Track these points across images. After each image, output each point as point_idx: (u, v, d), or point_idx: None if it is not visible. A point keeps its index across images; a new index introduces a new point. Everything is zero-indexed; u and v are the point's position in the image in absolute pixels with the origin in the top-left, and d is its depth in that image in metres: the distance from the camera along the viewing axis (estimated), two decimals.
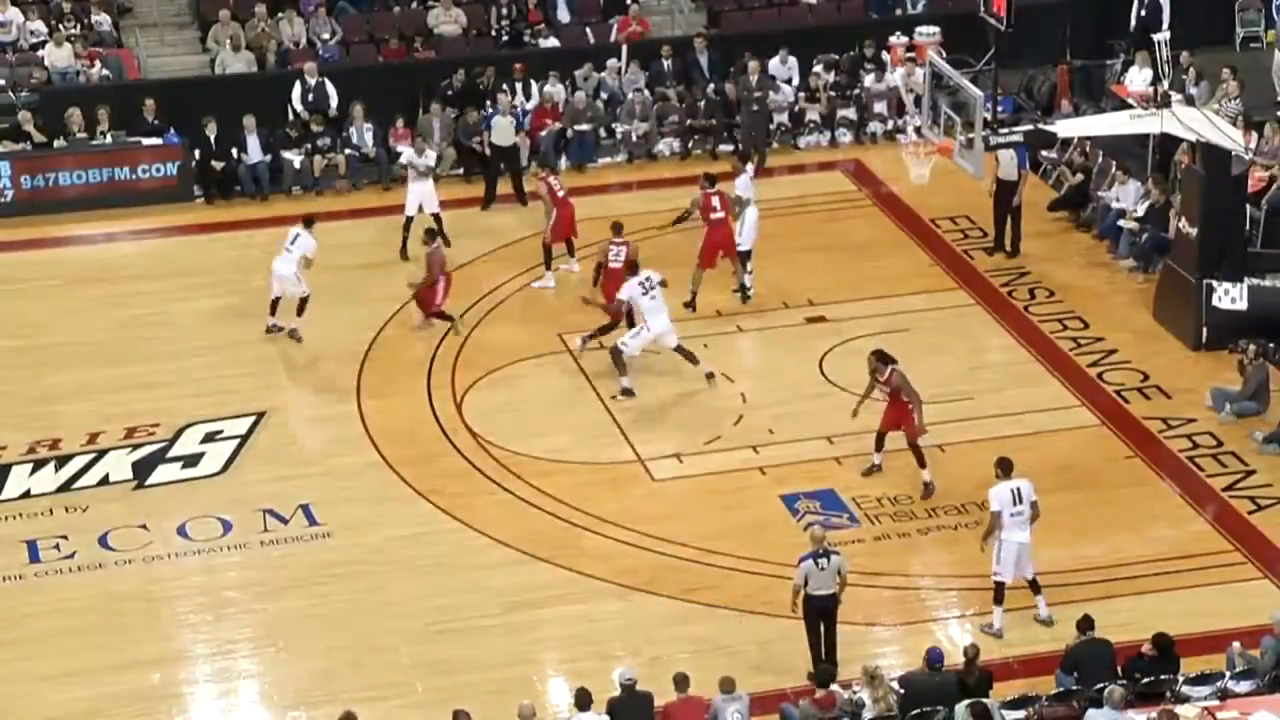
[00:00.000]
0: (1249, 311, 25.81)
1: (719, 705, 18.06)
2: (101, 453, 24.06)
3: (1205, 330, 26.04)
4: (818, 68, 33.78)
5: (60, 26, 33.47)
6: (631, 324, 25.46)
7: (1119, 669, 18.87)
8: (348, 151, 31.90)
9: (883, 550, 21.92)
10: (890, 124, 33.60)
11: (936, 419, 23.10)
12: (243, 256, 29.55)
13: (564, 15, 35.15)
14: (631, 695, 18.24)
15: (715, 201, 27.20)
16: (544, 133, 32.50)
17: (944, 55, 33.02)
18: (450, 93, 32.47)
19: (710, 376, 25.15)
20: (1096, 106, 32.31)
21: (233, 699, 19.92)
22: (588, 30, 34.81)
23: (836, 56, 34.19)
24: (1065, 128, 28.46)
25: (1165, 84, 26.88)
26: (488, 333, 26.92)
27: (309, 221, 26.72)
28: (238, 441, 24.30)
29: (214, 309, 27.55)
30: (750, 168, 28.68)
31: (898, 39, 34.28)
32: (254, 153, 31.50)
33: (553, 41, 34.46)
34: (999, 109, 30.97)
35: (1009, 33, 30.20)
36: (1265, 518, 22.42)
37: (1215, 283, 25.91)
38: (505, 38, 34.62)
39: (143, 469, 23.74)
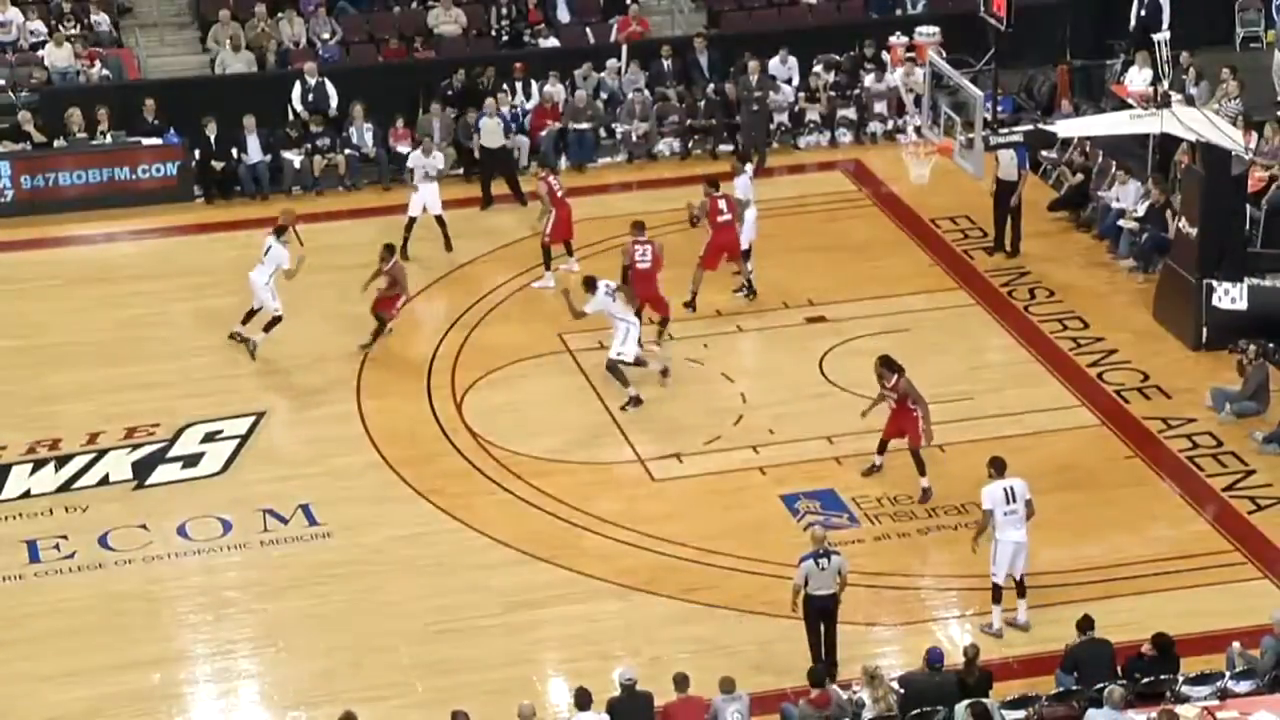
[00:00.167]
0: (1249, 311, 25.81)
1: (719, 705, 18.07)
2: (101, 453, 24.06)
3: (1205, 330, 26.04)
4: (818, 68, 33.78)
5: (60, 26, 33.49)
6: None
7: (1119, 669, 18.87)
8: (348, 151, 31.90)
9: (883, 550, 21.92)
10: (890, 124, 33.60)
11: (936, 419, 23.06)
12: (243, 256, 29.43)
13: (564, 15, 35.16)
14: (631, 695, 18.24)
15: (722, 204, 27.17)
16: (544, 133, 32.51)
17: (944, 55, 33.01)
18: (450, 93, 32.47)
19: (636, 401, 24.99)
20: (1096, 106, 32.31)
21: (233, 699, 19.92)
22: (588, 30, 34.82)
23: (837, 56, 34.19)
24: (1065, 128, 28.45)
25: (1165, 84, 26.89)
26: (488, 333, 26.92)
27: (279, 231, 26.35)
28: (238, 441, 24.30)
29: (214, 309, 27.53)
30: (749, 168, 28.66)
31: (898, 39, 34.29)
32: (254, 153, 31.50)
33: (553, 41, 34.47)
34: (999, 109, 30.98)
35: (1009, 33, 30.20)
36: (1265, 518, 22.42)
37: (1215, 283, 25.91)
38: (505, 38, 34.63)
39: (143, 469, 23.74)
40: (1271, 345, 25.15)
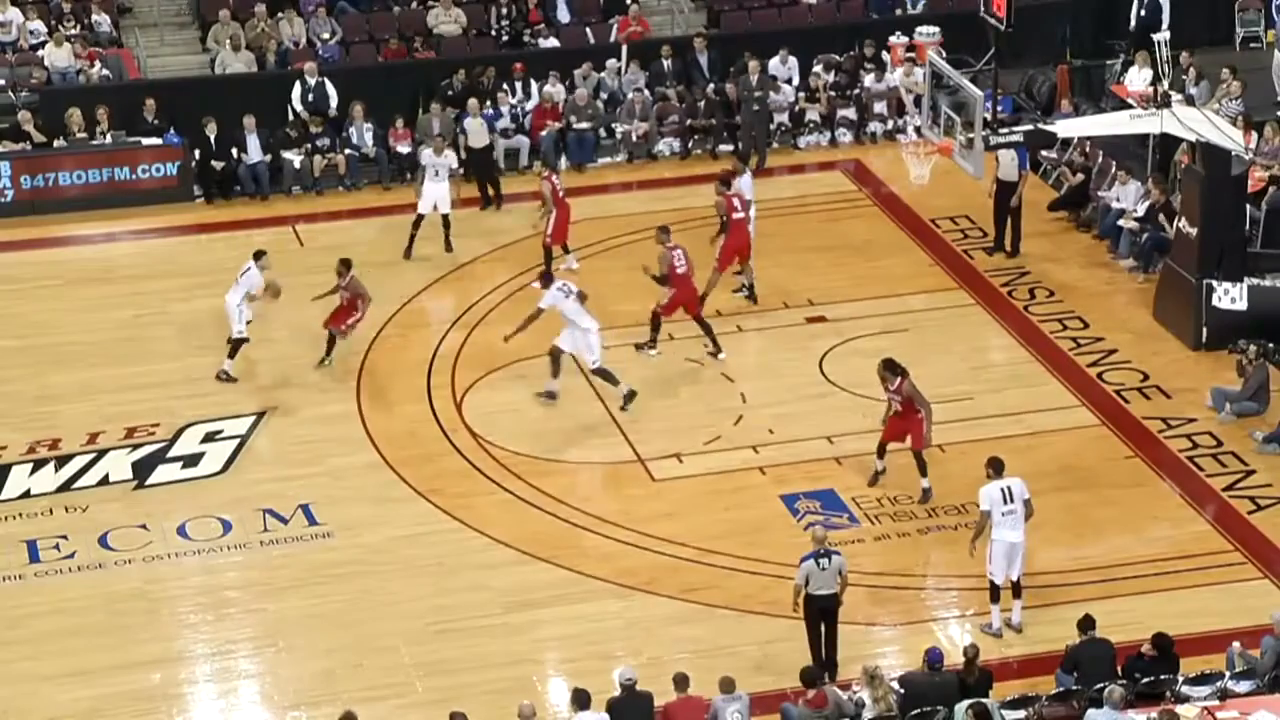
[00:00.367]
0: (1249, 311, 25.82)
1: (719, 705, 18.07)
2: (101, 453, 24.06)
3: (1205, 330, 26.05)
4: (818, 68, 33.78)
5: (60, 26, 33.49)
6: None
7: (1118, 669, 18.87)
8: (348, 151, 31.90)
9: (883, 550, 21.92)
10: (890, 124, 33.59)
11: (937, 419, 23.05)
12: (243, 256, 29.45)
13: (564, 15, 35.16)
14: (632, 695, 18.24)
15: (736, 203, 27.16)
16: (544, 133, 32.51)
17: (944, 55, 33.03)
18: (450, 93, 32.47)
19: (550, 396, 24.95)
20: (1096, 106, 32.32)
21: (233, 699, 19.93)
22: (588, 30, 34.82)
23: (837, 56, 34.19)
24: (1065, 128, 28.46)
25: (1165, 84, 26.89)
26: (488, 333, 26.88)
27: (258, 254, 26.04)
28: (238, 441, 24.31)
29: (214, 309, 27.44)
30: (748, 169, 28.63)
31: (898, 39, 34.28)
32: (254, 153, 31.49)
33: (553, 41, 34.47)
34: (999, 109, 30.99)
35: (1009, 33, 30.21)
36: (1265, 518, 22.43)
37: (1215, 283, 25.92)
38: (505, 38, 34.64)
39: (143, 469, 23.74)
40: (1271, 345, 25.16)
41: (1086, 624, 19.09)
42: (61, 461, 23.89)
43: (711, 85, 33.46)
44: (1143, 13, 32.53)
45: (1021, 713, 18.50)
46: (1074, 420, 24.57)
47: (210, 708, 19.78)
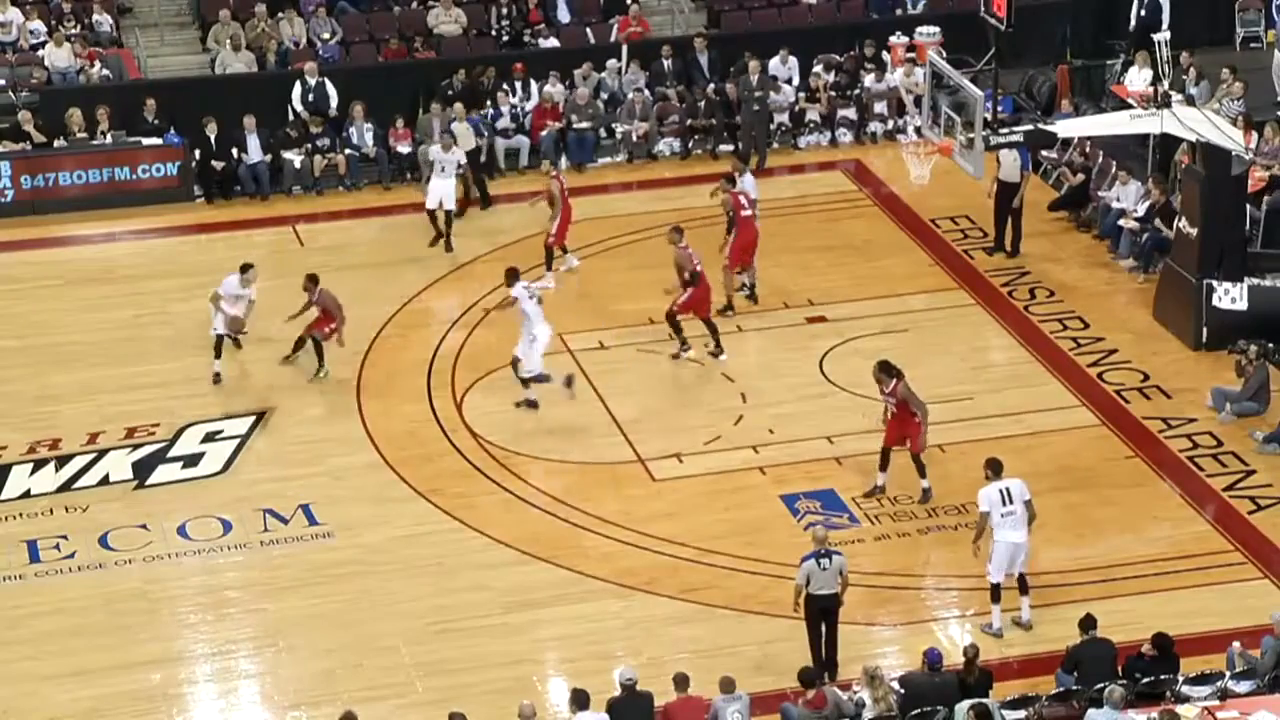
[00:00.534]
0: (1249, 311, 25.81)
1: (719, 705, 18.07)
2: (102, 453, 24.06)
3: (1205, 330, 26.04)
4: (818, 68, 33.78)
5: (60, 26, 33.49)
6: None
7: (1119, 669, 18.86)
8: (348, 151, 31.90)
9: (883, 550, 21.92)
10: (890, 124, 33.59)
11: (937, 419, 23.08)
12: (243, 256, 29.49)
13: (564, 15, 35.16)
14: (632, 695, 18.24)
15: (743, 200, 27.16)
16: (544, 133, 32.51)
17: (944, 55, 33.02)
18: (451, 93, 32.47)
19: (532, 404, 24.88)
20: (1097, 106, 32.32)
21: (233, 699, 19.93)
22: (588, 30, 34.82)
23: (837, 56, 34.19)
24: (1065, 128, 28.46)
25: (1165, 84, 26.88)
26: (488, 333, 26.90)
27: (244, 267, 25.81)
28: (238, 441, 24.31)
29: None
30: (748, 169, 28.63)
31: (898, 39, 34.28)
32: (254, 153, 31.49)
33: (553, 41, 34.48)
34: (999, 109, 30.97)
35: (1009, 33, 30.20)
36: (1265, 518, 22.42)
37: (1215, 283, 25.92)
38: (505, 38, 34.63)
39: (143, 469, 23.75)
40: (1271, 345, 25.15)
41: (1087, 624, 19.09)
42: (62, 461, 23.89)
43: (712, 85, 33.46)
44: (1143, 13, 32.52)
45: (1022, 713, 18.50)
46: (1074, 420, 24.57)
47: (210, 708, 19.78)
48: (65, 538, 22.36)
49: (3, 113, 32.16)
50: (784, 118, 33.22)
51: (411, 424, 24.61)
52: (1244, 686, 18.61)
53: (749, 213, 27.06)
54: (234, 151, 31.39)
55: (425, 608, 20.99)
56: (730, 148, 32.44)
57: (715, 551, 21.90)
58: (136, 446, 24.19)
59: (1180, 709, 17.90)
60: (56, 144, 31.37)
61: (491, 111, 32.27)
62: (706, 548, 21.97)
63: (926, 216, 30.47)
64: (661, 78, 33.60)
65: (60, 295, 28.41)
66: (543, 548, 22.03)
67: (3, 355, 26.67)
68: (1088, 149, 30.62)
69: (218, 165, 31.29)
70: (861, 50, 34.20)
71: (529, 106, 32.82)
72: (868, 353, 25.73)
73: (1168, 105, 26.19)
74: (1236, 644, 19.12)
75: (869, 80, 33.52)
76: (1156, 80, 26.98)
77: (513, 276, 24.93)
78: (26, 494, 23.32)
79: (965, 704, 17.97)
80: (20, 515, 22.90)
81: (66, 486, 23.41)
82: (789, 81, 33.58)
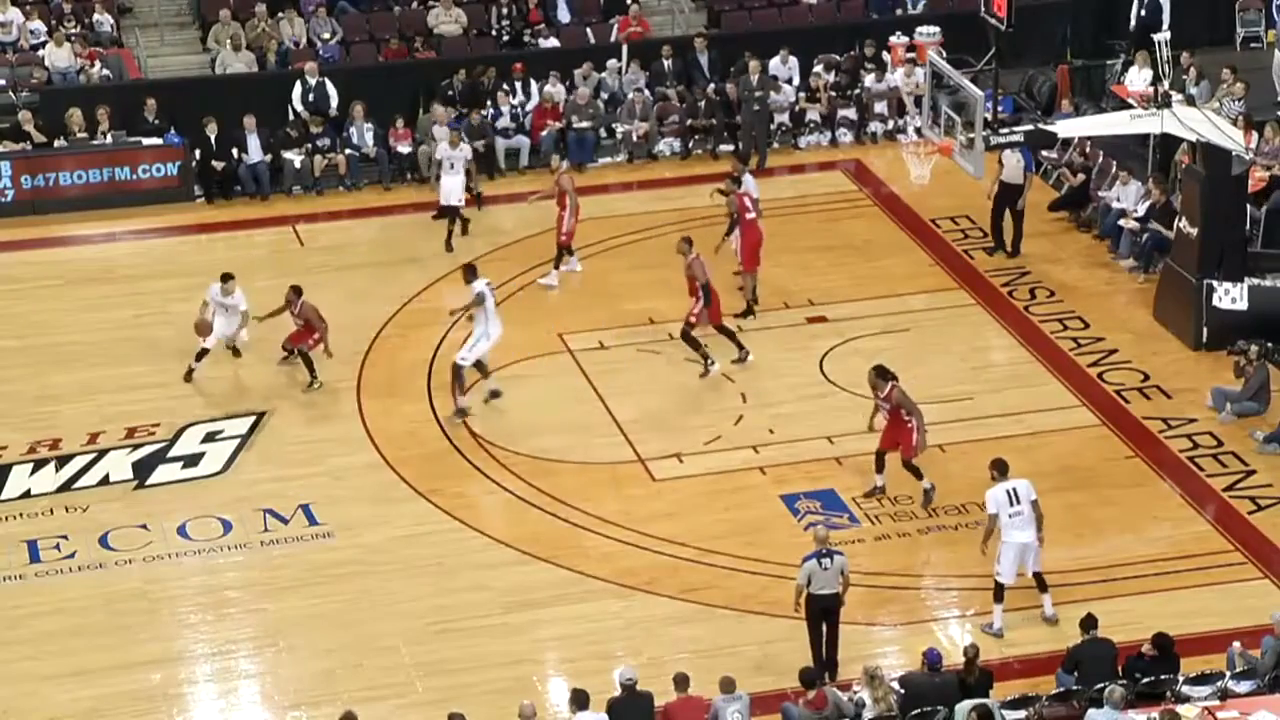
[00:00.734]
0: (1249, 311, 25.82)
1: (719, 705, 18.07)
2: (102, 453, 24.06)
3: (1206, 330, 26.04)
4: (818, 68, 33.77)
5: (61, 26, 33.49)
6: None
7: (1119, 669, 18.86)
8: (348, 151, 31.90)
9: (883, 550, 21.92)
10: (891, 124, 33.58)
11: (937, 419, 23.08)
12: (243, 256, 29.54)
13: (564, 15, 35.16)
14: (632, 695, 18.24)
15: (748, 201, 27.15)
16: (544, 133, 32.51)
17: (944, 55, 33.03)
18: (451, 93, 32.48)
19: (496, 395, 24.87)
20: (1097, 106, 32.32)
21: (233, 699, 19.93)
22: (588, 30, 34.82)
23: (837, 56, 34.19)
24: (1066, 128, 28.46)
25: (1165, 84, 26.87)
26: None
27: (224, 276, 25.61)
28: (238, 441, 24.31)
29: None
30: (748, 169, 28.61)
31: (898, 39, 34.27)
32: (254, 153, 31.49)
33: (553, 41, 34.48)
34: (999, 109, 30.98)
35: (1009, 33, 30.23)
36: (1265, 518, 22.43)
37: (1215, 283, 25.92)
38: (506, 38, 34.64)
39: (143, 469, 23.74)
40: (1271, 345, 25.15)
41: (1088, 624, 19.09)
42: (62, 461, 23.89)
43: (712, 85, 33.46)
44: (1143, 13, 32.51)
45: (1022, 713, 18.49)
46: (1074, 420, 24.57)
47: (210, 708, 19.78)
48: (65, 538, 22.36)
49: (3, 113, 32.16)
50: (784, 118, 33.22)
51: (411, 424, 24.61)
52: (1244, 686, 18.61)
53: (753, 215, 27.04)
54: (234, 151, 31.39)
55: (425, 608, 20.99)
56: (730, 148, 32.44)
57: (715, 551, 21.90)
58: (136, 446, 24.19)
59: (1180, 709, 17.90)
60: (57, 144, 31.38)
61: (491, 111, 32.27)
62: (707, 548, 21.97)
63: (927, 216, 30.47)
64: (662, 78, 33.59)
65: (60, 295, 28.41)
66: (543, 548, 22.03)
67: (3, 355, 26.67)
68: (1088, 149, 30.62)
69: (218, 165, 31.29)
70: (862, 50, 34.20)
71: (529, 106, 32.82)
72: (868, 353, 25.75)
73: (1168, 105, 26.19)
74: (1237, 644, 19.12)
75: (869, 80, 33.52)
76: (1157, 80, 26.97)
77: (471, 273, 24.85)
78: (27, 494, 23.32)
79: (967, 704, 17.97)
80: (20, 515, 22.90)
81: (66, 486, 23.41)
82: (789, 81, 33.58)
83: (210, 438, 24.38)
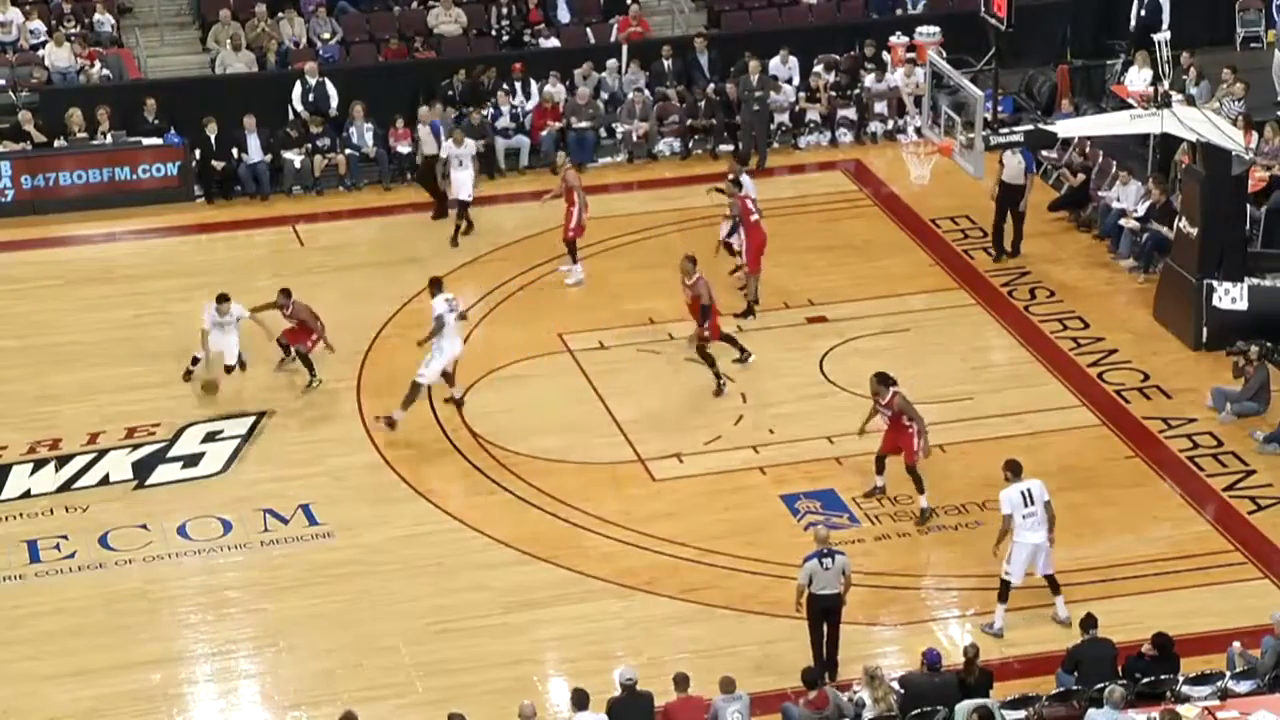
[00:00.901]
0: (1249, 311, 25.82)
1: (719, 705, 18.07)
2: (102, 453, 24.06)
3: (1206, 330, 26.04)
4: (818, 68, 33.77)
5: (60, 26, 33.49)
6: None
7: (1119, 669, 18.86)
8: (348, 151, 31.90)
9: (883, 550, 21.92)
10: (891, 124, 33.57)
11: (937, 419, 23.08)
12: (243, 256, 29.57)
13: (564, 15, 35.16)
14: (632, 695, 18.24)
15: (750, 204, 27.14)
16: (544, 133, 32.51)
17: (944, 55, 33.05)
18: (451, 93, 32.48)
19: (457, 401, 24.68)
20: (1097, 106, 32.32)
21: (233, 699, 19.93)
22: (588, 30, 34.82)
23: (837, 56, 34.19)
24: (1066, 128, 28.46)
25: (1165, 84, 26.88)
26: (488, 332, 26.92)
27: (220, 297, 25.20)
28: (238, 441, 24.31)
29: None
30: (744, 170, 28.60)
31: (898, 39, 34.26)
32: (254, 153, 31.49)
33: (553, 41, 34.48)
34: (999, 109, 31.01)
35: (1009, 33, 30.26)
36: (1265, 518, 22.43)
37: (1215, 282, 25.92)
38: (506, 37, 34.64)
39: (143, 469, 23.74)
40: (1271, 345, 25.15)
41: (1088, 623, 19.09)
42: (62, 461, 23.89)
43: (712, 85, 33.45)
44: (1143, 13, 32.52)
45: (1022, 713, 18.49)
46: (1074, 420, 24.57)
47: (210, 708, 19.78)
48: (65, 538, 22.36)
49: (3, 113, 32.16)
50: (784, 118, 33.21)
51: (411, 424, 24.59)
52: (1244, 686, 18.61)
53: (756, 217, 27.03)
54: (234, 151, 31.39)
55: (425, 608, 20.99)
56: (730, 148, 32.44)
57: (715, 551, 21.90)
58: (136, 446, 24.19)
59: (1180, 709, 17.90)
60: (57, 144, 31.37)
61: (491, 111, 32.27)
62: (707, 548, 21.97)
63: (927, 216, 30.46)
64: (662, 78, 33.59)
65: (60, 295, 28.41)
66: (543, 548, 22.03)
67: (3, 355, 26.66)
68: (1087, 149, 30.62)
69: (218, 165, 31.28)
70: (862, 50, 34.19)
71: (529, 106, 32.82)
72: (868, 353, 25.78)
73: (1168, 105, 26.19)
74: (1237, 644, 19.13)
75: (869, 80, 33.51)
76: (1157, 80, 26.98)
77: (435, 287, 24.70)
78: (27, 494, 23.31)
79: (968, 705, 17.97)
80: (20, 515, 22.90)
81: (66, 486, 23.41)
82: (789, 81, 33.58)
83: (210, 438, 24.38)
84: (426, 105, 31.43)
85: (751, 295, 27.09)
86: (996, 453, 22.28)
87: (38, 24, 33.59)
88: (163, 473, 23.70)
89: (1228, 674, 18.74)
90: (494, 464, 23.76)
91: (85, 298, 28.30)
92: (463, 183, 29.52)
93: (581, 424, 24.60)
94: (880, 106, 33.49)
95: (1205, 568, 21.50)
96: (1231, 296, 25.89)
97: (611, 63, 33.58)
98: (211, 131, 31.16)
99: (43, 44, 33.18)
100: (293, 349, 25.52)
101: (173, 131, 31.66)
